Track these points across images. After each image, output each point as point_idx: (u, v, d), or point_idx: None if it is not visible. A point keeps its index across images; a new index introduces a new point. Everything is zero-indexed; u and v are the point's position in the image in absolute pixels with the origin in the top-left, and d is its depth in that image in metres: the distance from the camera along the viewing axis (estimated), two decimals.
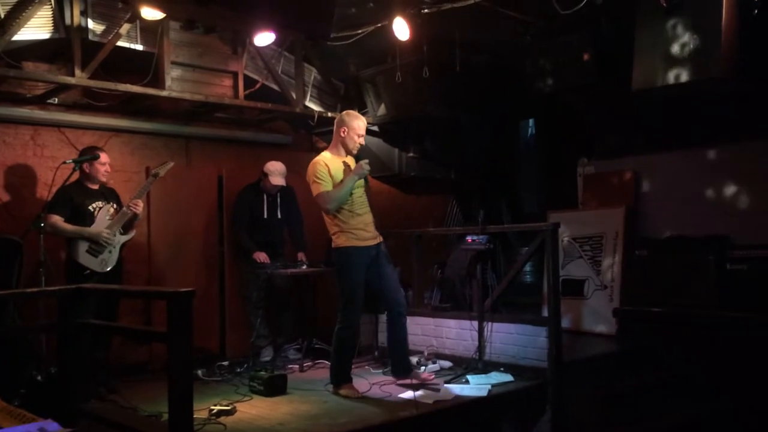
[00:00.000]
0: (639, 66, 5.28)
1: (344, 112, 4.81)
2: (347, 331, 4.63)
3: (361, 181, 4.62)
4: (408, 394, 4.44)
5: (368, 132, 5.92)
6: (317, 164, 4.58)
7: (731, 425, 4.96)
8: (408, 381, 4.70)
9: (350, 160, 4.72)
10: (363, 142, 4.70)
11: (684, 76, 5.07)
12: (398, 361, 4.83)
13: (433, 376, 4.85)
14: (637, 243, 5.99)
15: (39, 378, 4.13)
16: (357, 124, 4.64)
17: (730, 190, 5.65)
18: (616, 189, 6.37)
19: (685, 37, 5.07)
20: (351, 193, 4.56)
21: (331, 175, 4.54)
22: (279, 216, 5.97)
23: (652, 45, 5.18)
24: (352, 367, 4.73)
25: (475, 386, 4.62)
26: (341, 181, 4.54)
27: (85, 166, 4.87)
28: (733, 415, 5.01)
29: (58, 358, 3.93)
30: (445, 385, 4.69)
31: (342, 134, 4.64)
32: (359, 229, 4.57)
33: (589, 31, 5.85)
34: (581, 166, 6.79)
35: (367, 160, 4.61)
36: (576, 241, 6.36)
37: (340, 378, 4.66)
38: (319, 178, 4.51)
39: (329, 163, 4.59)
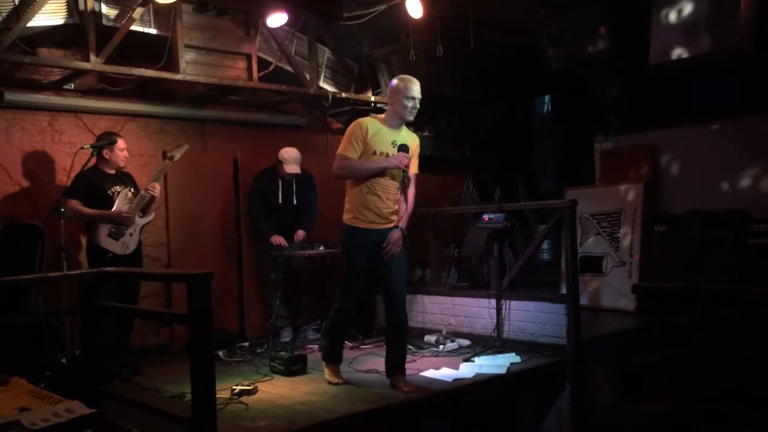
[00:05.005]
0: (656, 39, 5.21)
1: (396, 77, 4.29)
2: (338, 315, 4.27)
3: (398, 171, 4.14)
4: (429, 373, 4.46)
5: (382, 112, 5.84)
6: (358, 124, 4.11)
7: (750, 401, 4.94)
8: (397, 384, 4.14)
9: (403, 137, 4.22)
10: (416, 105, 4.16)
11: (702, 49, 4.99)
12: (387, 359, 4.29)
13: (410, 389, 4.11)
14: (656, 219, 5.94)
15: (64, 360, 4.20)
16: (404, 86, 4.11)
17: (749, 164, 5.57)
18: (634, 165, 6.30)
19: (703, 10, 4.99)
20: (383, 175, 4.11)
21: (365, 141, 4.06)
22: (295, 202, 5.94)
23: (669, 18, 5.10)
24: (371, 345, 4.66)
25: (494, 364, 4.63)
26: (374, 154, 4.07)
27: (106, 152, 4.93)
28: (752, 392, 4.98)
29: (81, 340, 3.98)
30: (464, 363, 4.70)
31: (393, 101, 4.15)
32: (369, 210, 4.11)
33: (604, 4, 5.76)
34: (598, 142, 6.73)
35: (408, 155, 4.15)
36: (594, 217, 6.32)
37: (329, 357, 4.43)
38: (348, 140, 4.07)
39: (371, 127, 4.11)
